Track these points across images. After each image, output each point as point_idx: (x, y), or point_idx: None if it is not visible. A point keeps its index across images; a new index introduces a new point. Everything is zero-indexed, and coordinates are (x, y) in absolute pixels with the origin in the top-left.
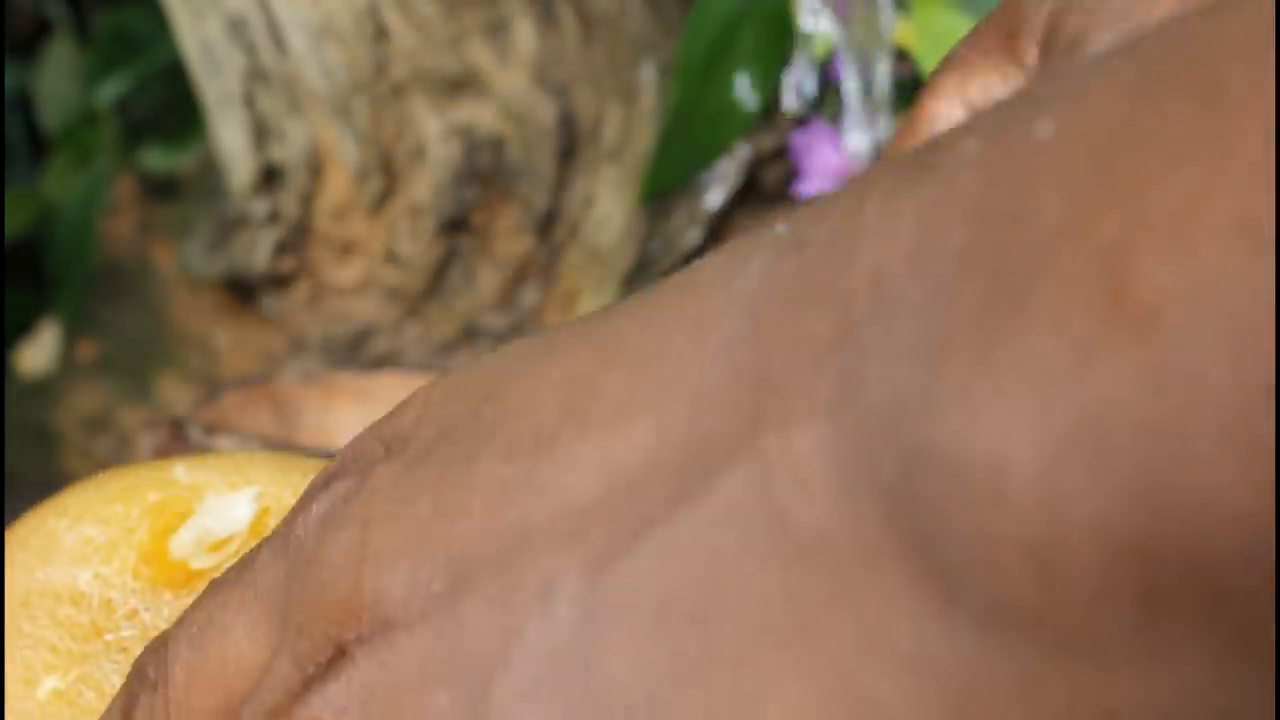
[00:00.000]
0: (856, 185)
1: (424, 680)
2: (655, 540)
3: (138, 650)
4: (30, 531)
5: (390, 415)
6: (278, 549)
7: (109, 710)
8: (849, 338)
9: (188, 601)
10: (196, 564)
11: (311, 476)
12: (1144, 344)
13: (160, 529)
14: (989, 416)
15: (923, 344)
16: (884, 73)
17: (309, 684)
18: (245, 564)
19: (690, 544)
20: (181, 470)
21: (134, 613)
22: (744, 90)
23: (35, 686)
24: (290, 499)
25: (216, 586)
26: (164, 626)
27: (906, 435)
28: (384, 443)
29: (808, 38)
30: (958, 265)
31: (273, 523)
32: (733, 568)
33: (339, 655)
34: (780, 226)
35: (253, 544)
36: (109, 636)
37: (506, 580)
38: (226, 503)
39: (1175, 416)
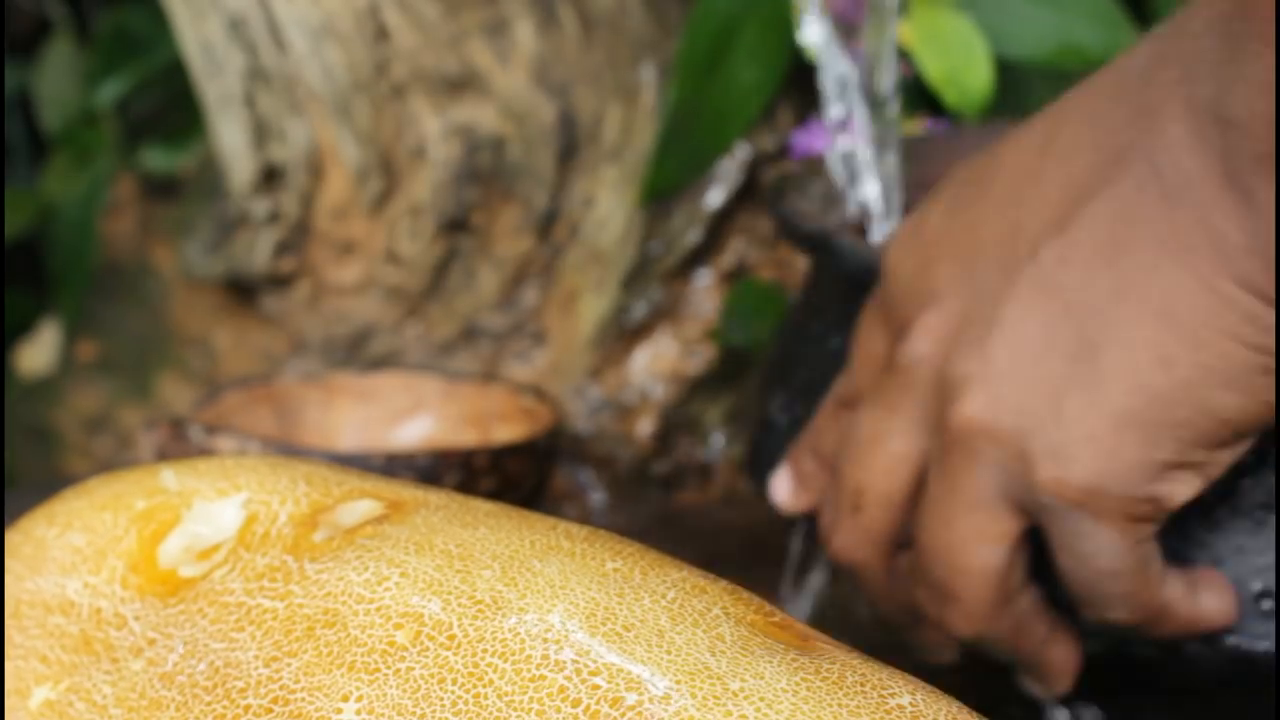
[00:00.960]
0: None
1: (961, 322)
2: (1096, 207)
3: (128, 661)
4: (20, 540)
5: (939, 184)
6: (882, 280)
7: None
8: (1188, 76)
9: (177, 609)
10: (185, 571)
11: (302, 480)
12: None
13: (148, 536)
14: (1242, 94)
15: (1216, 66)
16: (889, 73)
17: (897, 346)
18: (876, 293)
19: (1117, 205)
20: (170, 477)
21: (123, 621)
22: (744, 90)
23: (27, 697)
24: (279, 504)
25: (864, 309)
26: (154, 635)
27: (1218, 115)
28: (932, 197)
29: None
30: (1227, 22)
31: (261, 529)
32: (1141, 213)
33: (908, 326)
34: (1156, 30)
35: (241, 551)
36: (99, 646)
37: (1006, 253)
38: (214, 509)
39: None
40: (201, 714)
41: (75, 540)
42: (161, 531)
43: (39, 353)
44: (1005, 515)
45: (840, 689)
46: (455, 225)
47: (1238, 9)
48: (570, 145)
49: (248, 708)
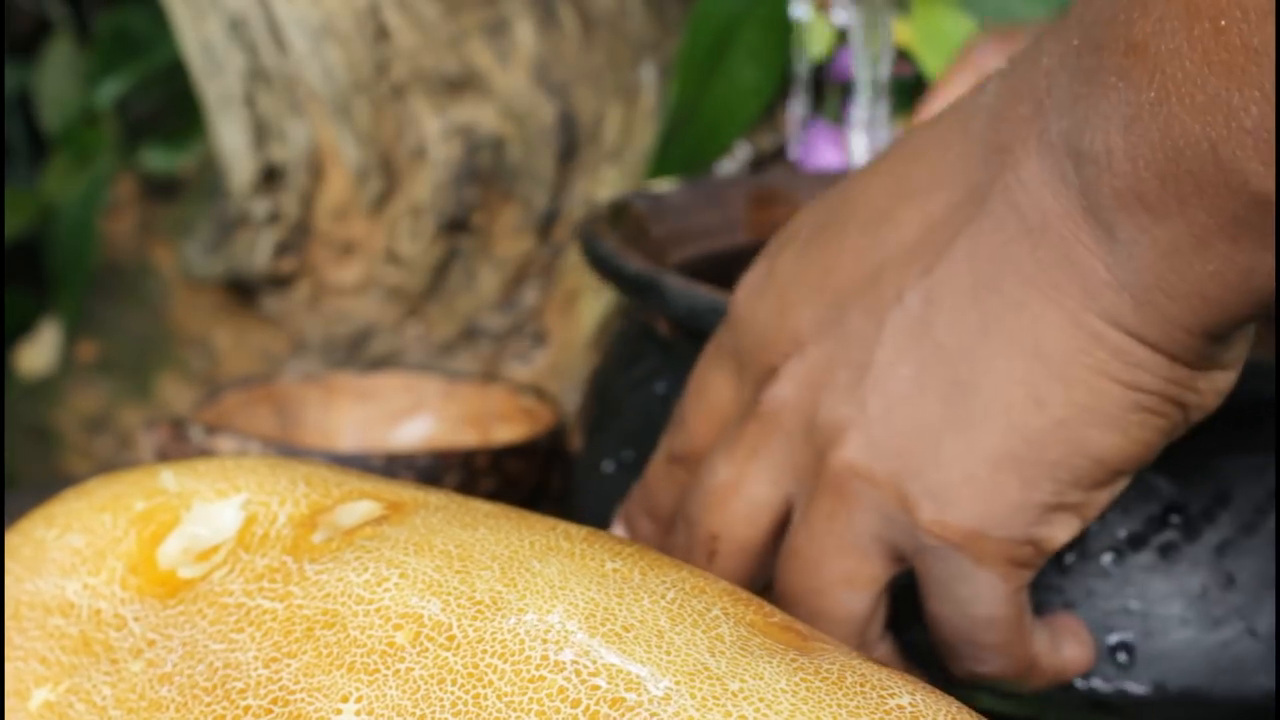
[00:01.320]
0: (1038, 36)
1: (829, 367)
2: (958, 246)
3: (128, 662)
4: (20, 541)
5: (783, 228)
6: (727, 326)
7: (661, 438)
8: (1040, 111)
9: (176, 611)
10: (184, 573)
11: (301, 480)
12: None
13: (148, 538)
14: (1098, 129)
15: (1068, 101)
16: (886, 73)
17: (759, 392)
18: (714, 342)
19: (979, 244)
20: (169, 478)
21: (123, 622)
22: (744, 90)
23: (27, 699)
24: (278, 505)
25: (700, 359)
26: (153, 636)
27: (1074, 150)
28: (780, 240)
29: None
30: (1078, 56)
31: (260, 530)
32: (1004, 251)
33: (774, 371)
34: (1005, 64)
35: (240, 552)
36: (98, 647)
37: (872, 297)
38: (214, 510)
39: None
40: (201, 715)
41: (74, 541)
42: (161, 533)
43: (39, 353)
44: (875, 560)
45: (840, 689)
46: (455, 225)
47: (1087, 44)
48: (570, 145)
49: (247, 708)
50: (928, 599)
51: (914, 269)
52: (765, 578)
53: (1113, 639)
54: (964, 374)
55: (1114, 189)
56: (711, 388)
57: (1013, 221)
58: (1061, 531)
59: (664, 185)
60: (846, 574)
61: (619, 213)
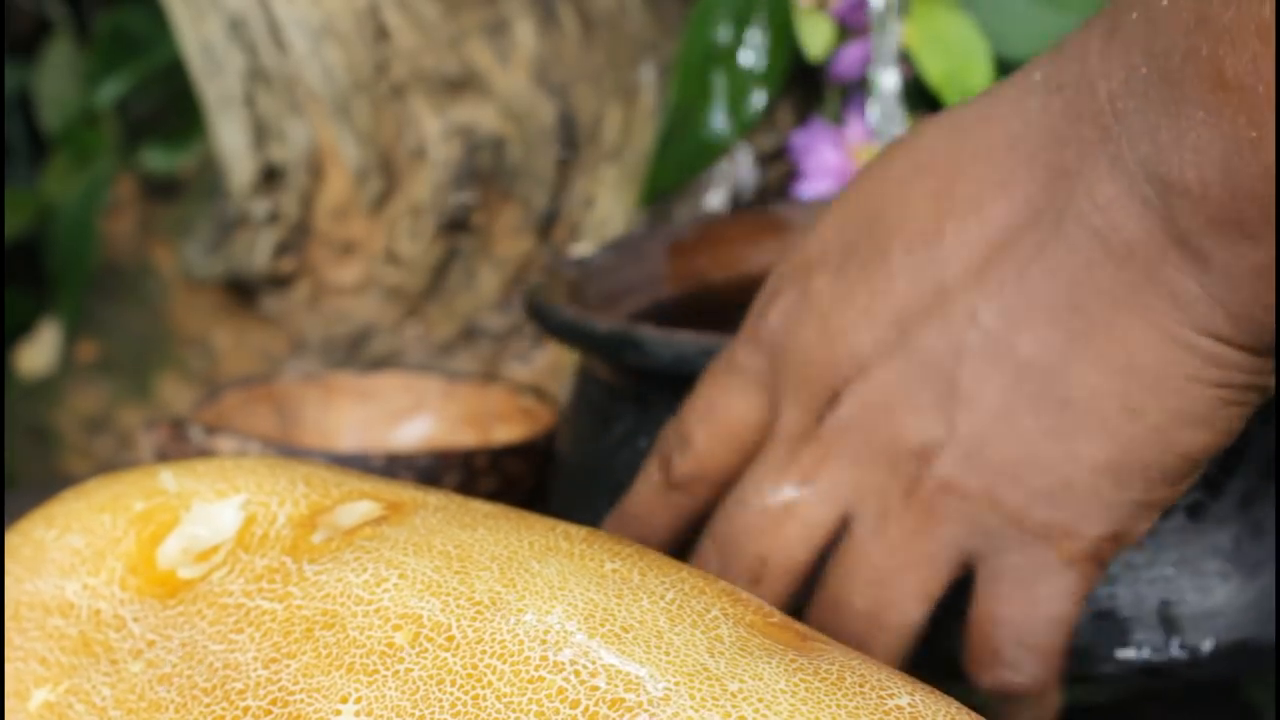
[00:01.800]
0: (1080, 35)
1: (904, 388)
2: (1033, 270)
3: (128, 663)
4: (20, 541)
5: (797, 248)
6: (750, 350)
7: (647, 466)
8: (1108, 136)
9: (176, 611)
10: (184, 573)
11: (301, 481)
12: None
13: (147, 538)
14: (1189, 163)
15: (1145, 130)
16: (893, 72)
17: (821, 416)
18: (726, 366)
19: (1057, 267)
20: (169, 478)
21: (122, 623)
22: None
23: (26, 699)
24: (278, 506)
25: (705, 382)
26: (153, 637)
27: (1156, 177)
28: (804, 265)
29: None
30: (1147, 84)
31: (259, 531)
32: (1086, 274)
33: (834, 395)
34: (1036, 75)
35: (240, 552)
36: (98, 648)
37: (941, 319)
38: (213, 511)
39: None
40: (201, 715)
41: (74, 542)
42: (160, 533)
43: (39, 353)
44: (945, 571)
45: (839, 689)
46: (455, 225)
47: (1159, 73)
48: (570, 145)
49: (247, 709)
50: (994, 601)
51: (985, 290)
52: (804, 596)
53: (1158, 606)
54: (1054, 389)
55: (1210, 218)
56: (728, 409)
57: (1094, 246)
58: (1144, 524)
59: (586, 248)
60: (912, 589)
61: (555, 281)
